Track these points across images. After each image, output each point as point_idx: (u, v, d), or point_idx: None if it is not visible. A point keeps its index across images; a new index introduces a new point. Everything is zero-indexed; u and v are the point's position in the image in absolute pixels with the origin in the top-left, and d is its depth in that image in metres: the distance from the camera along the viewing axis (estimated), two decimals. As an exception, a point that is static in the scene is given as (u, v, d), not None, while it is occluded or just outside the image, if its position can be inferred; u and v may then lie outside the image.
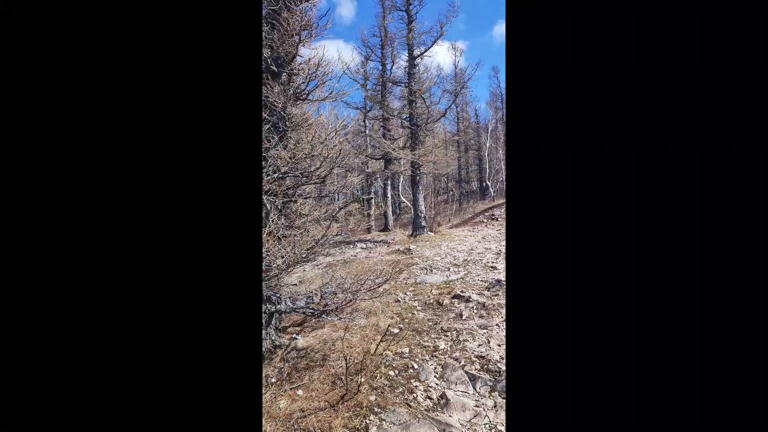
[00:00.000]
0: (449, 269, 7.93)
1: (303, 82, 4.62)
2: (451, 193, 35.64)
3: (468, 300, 5.66)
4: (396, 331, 4.82)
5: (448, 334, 4.66)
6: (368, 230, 20.60)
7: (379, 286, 5.24)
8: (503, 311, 5.15)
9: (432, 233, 14.22)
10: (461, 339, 4.48)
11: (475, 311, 5.27)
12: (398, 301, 5.98)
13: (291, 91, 4.19)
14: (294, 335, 4.79)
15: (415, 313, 5.40)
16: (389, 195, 18.34)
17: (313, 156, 4.22)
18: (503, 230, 14.97)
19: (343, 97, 4.95)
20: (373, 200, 21.13)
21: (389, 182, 18.48)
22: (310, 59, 4.68)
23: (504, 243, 10.79)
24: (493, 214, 22.19)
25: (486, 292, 6.06)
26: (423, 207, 14.29)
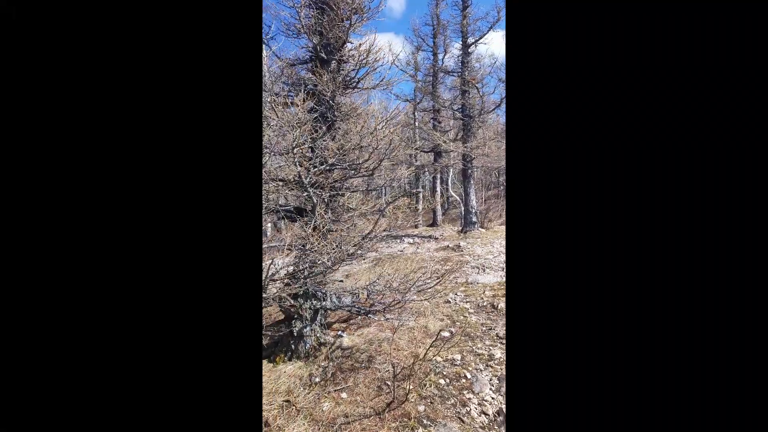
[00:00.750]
0: (503, 269, 7.43)
1: (353, 69, 4.40)
2: (502, 187, 34.21)
3: (526, 304, 5.20)
4: (447, 335, 4.51)
5: (505, 342, 4.26)
6: (415, 225, 20.29)
7: (429, 287, 4.95)
8: (567, 319, 4.65)
9: (483, 230, 13.61)
10: (519, 348, 4.08)
11: (535, 317, 4.81)
12: (448, 302, 5.64)
13: (340, 79, 3.98)
14: (339, 332, 4.64)
15: (467, 316, 5.04)
16: (438, 189, 17.85)
17: (361, 147, 4.00)
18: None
19: (395, 85, 4.68)
20: (421, 194, 20.76)
21: (438, 176, 17.98)
22: (360, 44, 4.44)
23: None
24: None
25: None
26: (474, 202, 13.69)
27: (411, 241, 13.54)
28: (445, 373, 3.69)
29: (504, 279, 6.73)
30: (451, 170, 18.31)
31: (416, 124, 18.44)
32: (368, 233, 4.62)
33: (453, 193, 18.56)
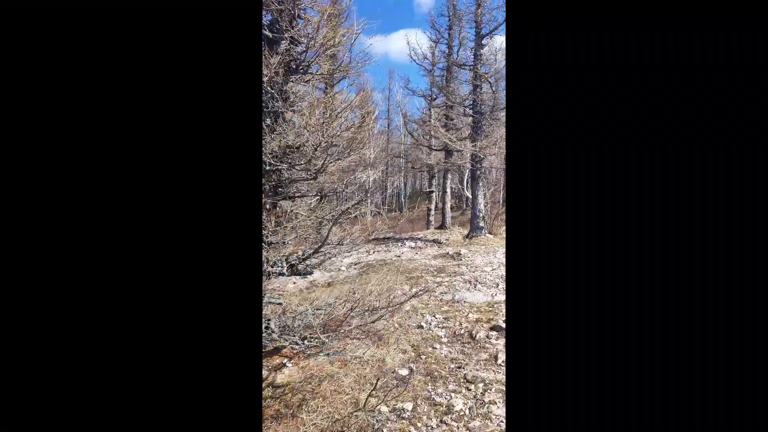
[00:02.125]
0: (497, 286, 6.58)
1: (303, 51, 3.69)
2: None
3: (510, 336, 4.37)
4: (405, 372, 3.75)
5: (472, 388, 3.47)
6: (427, 225, 19.49)
7: (393, 309, 4.20)
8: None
9: (490, 235, 12.66)
10: (487, 399, 3.28)
11: (517, 355, 3.98)
12: (421, 327, 4.86)
13: (277, 61, 3.25)
14: (285, 361, 3.97)
15: (438, 347, 4.27)
16: (448, 189, 16.93)
17: (301, 145, 3.28)
18: (577, 237, 12.87)
19: (358, 70, 3.95)
20: (434, 194, 19.87)
21: (449, 175, 17.06)
22: (318, 20, 3.71)
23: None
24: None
25: (537, 326, 4.70)
26: (482, 206, 12.76)
27: (413, 244, 12.76)
28: (386, 429, 2.95)
29: (496, 298, 5.90)
30: (468, 170, 17.35)
31: (432, 121, 17.55)
32: (319, 247, 3.92)
33: (468, 194, 17.59)
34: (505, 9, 11.85)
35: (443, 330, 4.71)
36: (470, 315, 5.20)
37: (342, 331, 3.71)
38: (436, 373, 3.74)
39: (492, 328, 4.64)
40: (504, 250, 10.23)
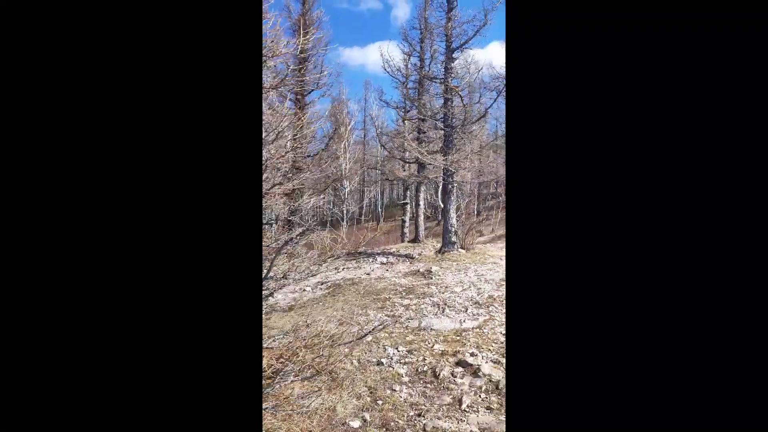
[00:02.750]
0: (467, 310, 6.26)
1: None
2: (500, 198, 33.22)
3: (476, 373, 4.02)
4: (357, 425, 3.33)
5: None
6: (402, 237, 19.17)
7: (351, 344, 3.79)
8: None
9: (463, 250, 12.43)
10: (447, 458, 2.89)
11: (483, 397, 3.63)
12: (381, 363, 4.45)
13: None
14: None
15: (397, 389, 3.86)
16: (421, 202, 16.70)
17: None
18: (549, 252, 12.83)
19: (327, 82, 3.59)
20: (408, 205, 19.60)
21: (422, 188, 16.85)
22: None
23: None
24: (541, 227, 19.81)
25: (504, 359, 4.37)
26: (454, 220, 12.54)
27: (385, 260, 12.38)
28: (328, 504, 2.51)
29: (464, 325, 5.57)
30: (442, 183, 17.20)
31: (406, 133, 17.35)
32: (264, 277, 3.46)
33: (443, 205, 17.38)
34: (475, 23, 11.84)
35: (405, 366, 4.31)
36: (436, 346, 4.84)
37: (288, 370, 3.26)
38: (392, 423, 3.33)
39: (458, 363, 4.28)
40: (475, 267, 10.00)
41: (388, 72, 14.71)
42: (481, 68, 12.64)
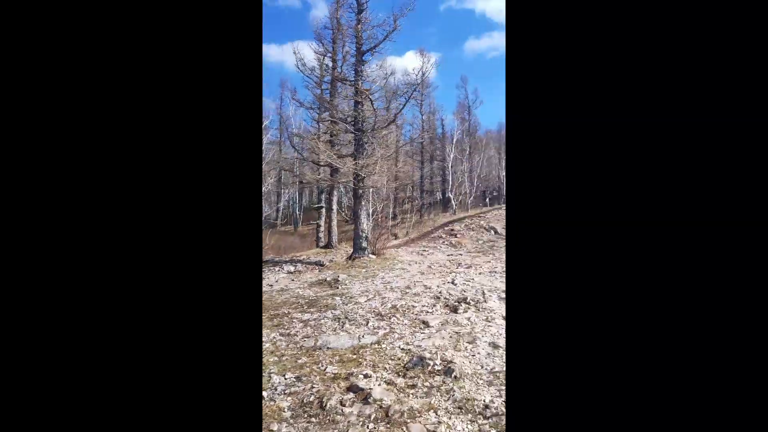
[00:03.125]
0: (368, 323, 5.97)
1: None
2: (416, 201, 34.23)
3: (367, 399, 3.70)
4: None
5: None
6: (316, 242, 18.52)
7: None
8: (412, 432, 3.22)
9: (374, 256, 12.28)
10: None
11: (370, 428, 3.31)
12: (262, 397, 3.90)
13: None
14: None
15: (274, 429, 3.36)
16: (334, 207, 16.26)
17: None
18: (455, 255, 13.31)
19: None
20: (323, 210, 18.97)
21: (335, 192, 16.42)
22: None
23: (450, 277, 9.02)
24: (452, 230, 20.66)
25: (400, 379, 4.13)
26: (365, 225, 12.33)
27: (293, 268, 11.68)
28: None
29: (362, 341, 5.25)
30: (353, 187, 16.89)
31: (317, 135, 16.73)
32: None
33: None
34: (385, 28, 11.78)
35: (289, 398, 3.82)
36: (329, 368, 4.43)
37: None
38: (261, 477, 2.82)
39: (349, 389, 3.92)
40: (383, 274, 9.86)
41: (302, 72, 14.04)
42: (390, 73, 12.61)
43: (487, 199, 35.29)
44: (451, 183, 30.01)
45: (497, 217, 20.90)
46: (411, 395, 3.81)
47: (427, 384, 4.01)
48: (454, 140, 31.66)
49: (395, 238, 23.19)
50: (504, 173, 36.66)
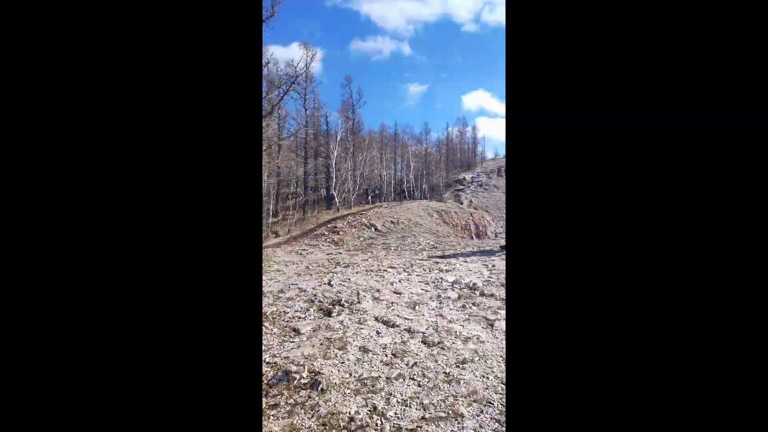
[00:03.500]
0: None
1: None
2: (300, 198, 33.24)
3: None
4: None
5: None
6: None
7: None
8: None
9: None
10: None
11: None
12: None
13: None
14: None
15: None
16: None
17: None
18: (335, 254, 13.22)
19: None
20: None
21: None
22: None
23: (327, 278, 8.83)
24: (335, 227, 20.59)
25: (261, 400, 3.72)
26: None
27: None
28: None
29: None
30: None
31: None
32: None
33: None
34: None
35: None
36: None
37: None
38: None
39: None
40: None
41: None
42: (267, 62, 11.81)
43: (370, 197, 36.35)
44: (335, 180, 30.01)
45: (378, 214, 21.58)
46: (272, 417, 3.46)
47: (290, 401, 3.71)
48: (338, 137, 31.73)
49: (276, 236, 22.13)
50: (385, 173, 38.15)
